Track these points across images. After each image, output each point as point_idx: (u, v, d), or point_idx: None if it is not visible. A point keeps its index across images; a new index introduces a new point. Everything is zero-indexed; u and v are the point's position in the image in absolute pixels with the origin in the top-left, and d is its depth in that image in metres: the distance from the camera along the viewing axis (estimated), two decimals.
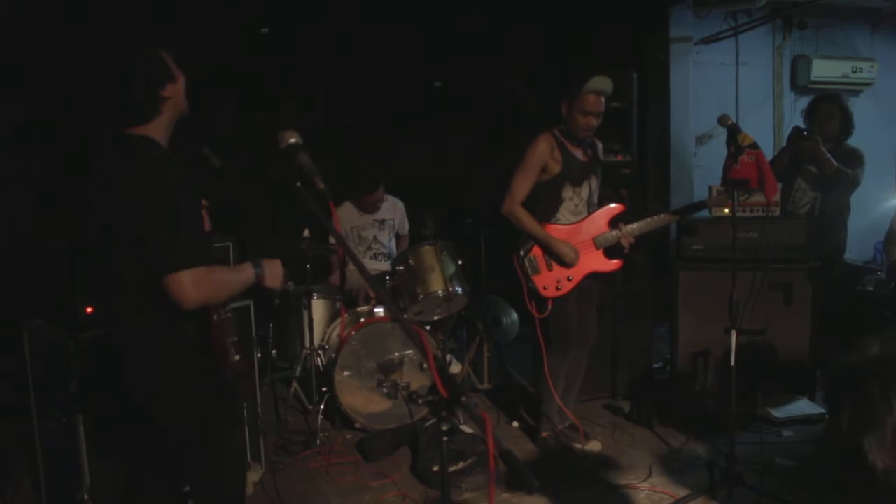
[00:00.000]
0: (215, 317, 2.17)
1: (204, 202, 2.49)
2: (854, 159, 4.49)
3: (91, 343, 2.85)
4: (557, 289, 3.62)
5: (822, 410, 4.08)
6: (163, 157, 2.09)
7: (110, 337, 2.21)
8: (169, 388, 2.15)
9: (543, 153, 3.59)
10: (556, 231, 3.63)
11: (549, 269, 3.62)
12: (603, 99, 3.54)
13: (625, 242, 3.63)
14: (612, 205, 3.71)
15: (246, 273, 2.22)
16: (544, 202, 3.66)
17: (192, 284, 1.96)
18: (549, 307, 3.62)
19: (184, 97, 2.24)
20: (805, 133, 4.46)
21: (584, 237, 3.65)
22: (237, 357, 2.26)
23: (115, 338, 2.19)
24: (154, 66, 2.13)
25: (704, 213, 4.34)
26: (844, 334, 4.53)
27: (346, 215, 4.87)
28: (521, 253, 3.63)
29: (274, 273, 2.30)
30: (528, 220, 3.60)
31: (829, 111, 4.56)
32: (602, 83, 3.51)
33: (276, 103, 5.21)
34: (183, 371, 2.15)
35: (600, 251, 3.67)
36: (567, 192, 3.65)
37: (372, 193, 4.81)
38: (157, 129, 2.14)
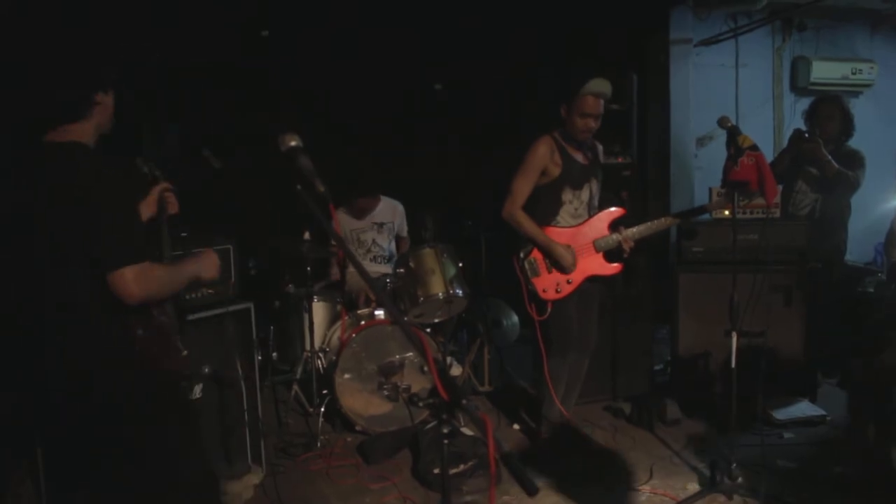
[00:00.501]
0: (157, 316, 2.16)
1: (169, 183, 2.55)
2: (855, 161, 4.49)
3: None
4: (557, 291, 3.62)
5: (823, 412, 4.08)
6: (96, 161, 2.08)
7: (66, 347, 2.12)
8: (128, 391, 2.12)
9: (543, 156, 3.59)
10: (556, 234, 3.63)
11: (549, 271, 3.63)
12: (602, 101, 3.55)
13: (625, 246, 3.63)
14: (613, 208, 3.71)
15: (187, 266, 2.25)
16: (544, 205, 3.67)
17: (135, 280, 1.98)
18: (549, 310, 3.62)
19: (111, 112, 2.22)
20: (806, 135, 4.46)
21: (585, 240, 3.65)
22: (184, 354, 2.24)
23: (70, 348, 2.11)
24: (94, 67, 2.14)
25: (705, 215, 4.34)
26: (845, 336, 4.53)
27: (344, 220, 4.87)
28: (521, 255, 3.64)
29: (208, 264, 2.33)
30: (527, 224, 3.60)
31: (829, 112, 4.56)
32: (600, 85, 3.52)
33: (275, 104, 5.21)
34: (137, 374, 2.13)
35: (600, 254, 3.67)
36: (567, 196, 3.65)
37: (372, 197, 4.80)
38: (85, 135, 2.12)
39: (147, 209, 2.53)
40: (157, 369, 2.15)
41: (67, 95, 2.09)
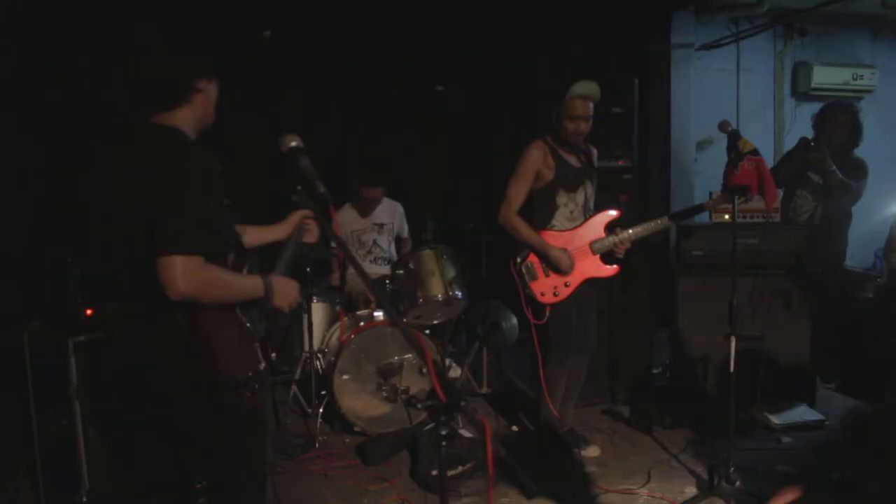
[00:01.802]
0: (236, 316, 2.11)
1: (311, 211, 2.50)
2: (859, 171, 4.48)
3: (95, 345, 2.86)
4: (555, 295, 3.62)
5: (822, 417, 4.08)
6: (186, 145, 2.05)
7: (116, 337, 2.16)
8: (176, 385, 2.08)
9: (536, 160, 3.61)
10: (553, 237, 3.63)
11: (546, 275, 3.63)
12: (590, 103, 3.55)
13: (620, 248, 3.62)
14: (609, 210, 3.71)
15: (251, 282, 2.13)
16: (539, 209, 3.67)
17: (183, 272, 1.87)
18: (547, 313, 3.62)
19: (213, 104, 2.20)
20: (812, 145, 4.45)
21: (581, 243, 3.65)
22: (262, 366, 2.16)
23: (121, 338, 2.13)
24: (196, 53, 2.13)
25: (705, 219, 4.35)
26: (844, 341, 4.54)
27: (346, 219, 4.87)
28: (518, 260, 3.64)
29: (286, 292, 2.20)
30: (523, 228, 3.61)
31: (840, 120, 4.53)
32: (586, 87, 3.53)
33: (277, 105, 5.20)
34: (185, 370, 2.06)
35: (597, 256, 3.67)
36: (562, 199, 3.66)
37: (371, 187, 4.79)
38: (183, 121, 2.09)
39: (284, 230, 2.53)
40: (214, 370, 2.05)
41: (167, 80, 2.08)
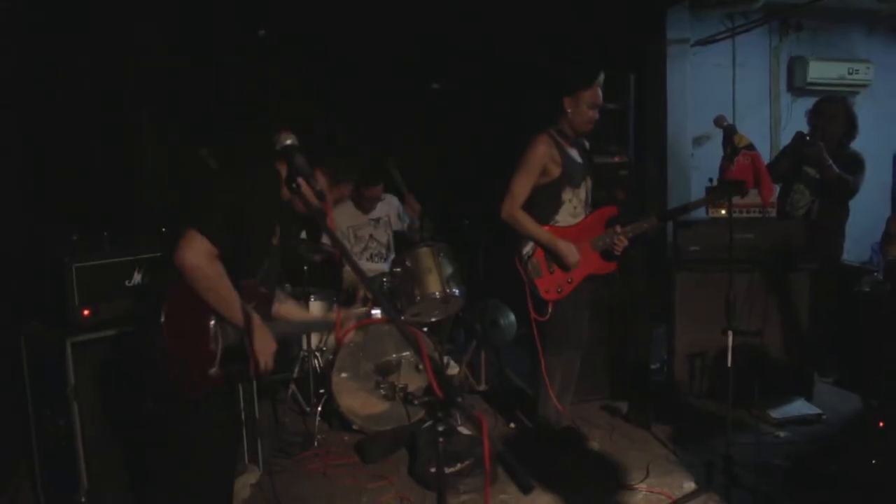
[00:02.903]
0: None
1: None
2: (855, 165, 4.48)
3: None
4: (559, 292, 3.61)
5: (819, 411, 4.09)
6: (276, 187, 2.24)
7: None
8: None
9: (543, 155, 3.57)
10: (559, 233, 3.62)
11: (551, 272, 3.61)
12: (601, 91, 3.59)
13: (618, 245, 3.62)
14: (609, 207, 3.71)
15: (240, 311, 2.22)
16: (543, 205, 3.64)
17: (197, 247, 2.09)
18: (550, 310, 3.61)
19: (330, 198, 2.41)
20: (808, 139, 4.46)
21: (584, 239, 3.64)
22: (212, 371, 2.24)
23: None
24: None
25: (701, 214, 4.35)
26: (841, 336, 4.54)
27: (343, 215, 4.87)
28: (524, 257, 3.62)
29: (265, 348, 2.29)
30: (529, 223, 3.57)
31: (833, 112, 4.54)
32: (602, 76, 3.58)
33: (274, 105, 5.20)
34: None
35: (597, 253, 3.66)
36: (567, 195, 3.64)
37: (373, 185, 4.79)
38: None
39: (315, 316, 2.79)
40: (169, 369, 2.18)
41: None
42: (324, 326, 2.70)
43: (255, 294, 2.32)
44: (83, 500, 2.94)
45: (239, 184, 2.27)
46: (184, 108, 4.97)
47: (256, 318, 2.27)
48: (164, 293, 2.18)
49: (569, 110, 3.57)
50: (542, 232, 3.58)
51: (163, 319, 2.14)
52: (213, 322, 2.22)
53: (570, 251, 3.56)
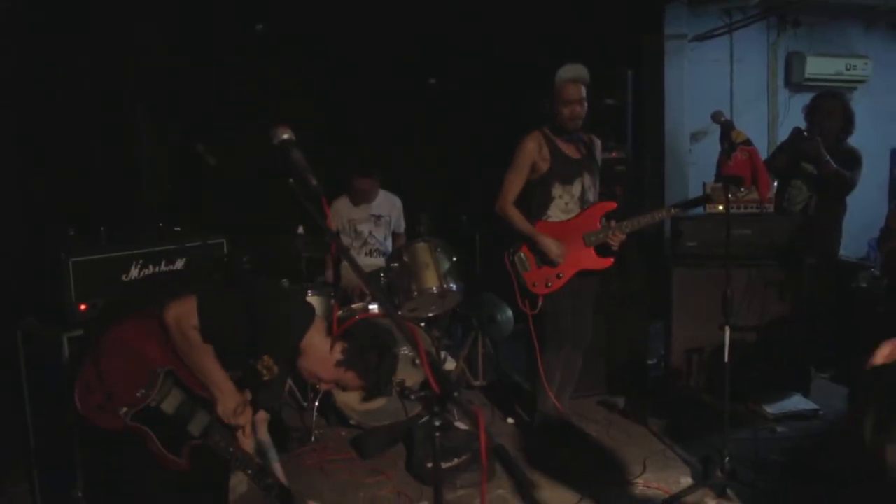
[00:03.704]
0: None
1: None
2: (852, 161, 4.48)
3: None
4: (547, 286, 3.62)
5: (816, 406, 4.10)
6: (281, 297, 2.39)
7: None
8: None
9: (531, 151, 3.62)
10: (545, 228, 3.63)
11: (539, 266, 3.64)
12: (582, 86, 3.57)
13: (614, 240, 3.61)
14: (605, 202, 3.71)
15: (218, 375, 2.22)
16: (535, 200, 3.70)
17: (181, 311, 2.13)
18: (540, 304, 3.62)
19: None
20: (806, 135, 4.45)
21: (575, 234, 3.64)
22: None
23: None
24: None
25: (699, 210, 4.35)
26: (838, 331, 4.55)
27: (343, 209, 4.86)
28: (511, 251, 3.66)
29: (225, 405, 2.25)
30: (516, 218, 3.64)
31: (830, 108, 4.54)
32: (574, 70, 3.57)
33: (272, 101, 5.19)
34: None
35: (591, 248, 3.66)
36: (557, 191, 3.66)
37: (364, 177, 4.78)
38: None
39: None
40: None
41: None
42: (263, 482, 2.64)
43: (162, 331, 2.26)
44: (80, 495, 2.93)
45: (260, 307, 2.25)
46: (183, 107, 4.97)
47: (230, 385, 2.24)
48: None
49: (548, 111, 3.63)
50: (526, 226, 3.62)
51: (108, 334, 2.15)
52: (160, 371, 2.20)
53: (550, 246, 3.57)
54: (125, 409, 2.16)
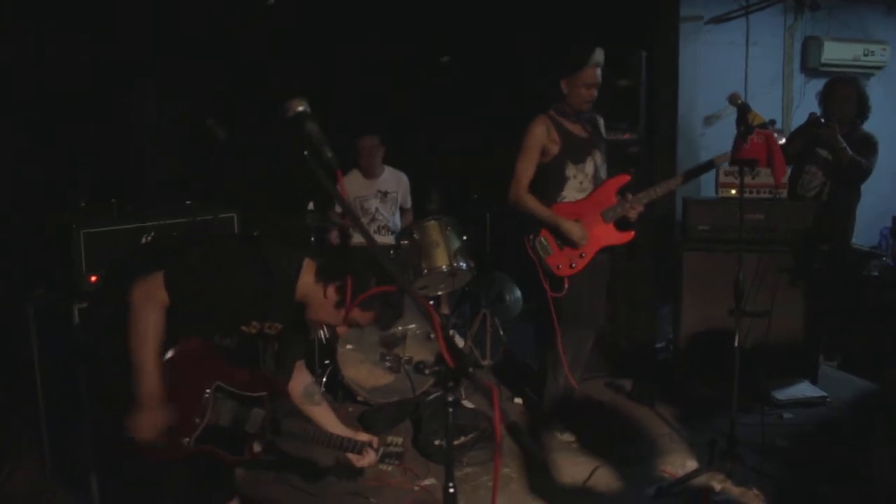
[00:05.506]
0: None
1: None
2: (868, 147, 4.42)
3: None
4: (571, 267, 3.59)
5: (823, 393, 4.09)
6: (262, 271, 2.23)
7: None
8: None
9: (539, 135, 3.59)
10: (563, 210, 3.59)
11: (561, 248, 3.60)
12: (599, 69, 3.54)
13: (632, 213, 3.58)
14: (619, 176, 3.66)
15: (149, 378, 2.10)
16: (549, 183, 3.65)
17: (148, 286, 2.10)
18: (566, 286, 3.60)
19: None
20: (822, 121, 4.40)
21: (593, 212, 3.61)
22: None
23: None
24: None
25: (711, 193, 4.32)
26: (849, 319, 4.53)
27: (351, 185, 4.85)
28: (531, 236, 3.61)
29: (141, 419, 2.10)
30: (533, 204, 3.58)
31: (845, 93, 4.48)
32: (601, 56, 3.54)
33: (280, 75, 5.16)
34: None
35: (610, 224, 3.63)
36: (570, 171, 3.63)
37: (366, 136, 4.77)
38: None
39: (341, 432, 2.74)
40: None
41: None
42: (343, 448, 2.67)
43: (190, 352, 2.23)
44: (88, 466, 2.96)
45: (229, 274, 2.19)
46: (193, 81, 4.95)
47: (156, 398, 2.12)
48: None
49: (565, 91, 3.58)
50: (545, 212, 3.57)
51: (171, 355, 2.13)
52: (208, 393, 2.19)
53: (573, 229, 3.54)
54: (187, 440, 2.19)
